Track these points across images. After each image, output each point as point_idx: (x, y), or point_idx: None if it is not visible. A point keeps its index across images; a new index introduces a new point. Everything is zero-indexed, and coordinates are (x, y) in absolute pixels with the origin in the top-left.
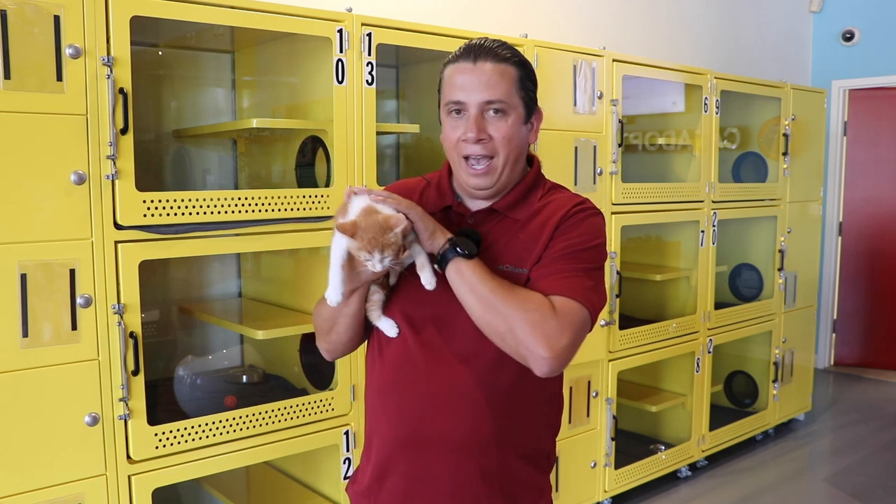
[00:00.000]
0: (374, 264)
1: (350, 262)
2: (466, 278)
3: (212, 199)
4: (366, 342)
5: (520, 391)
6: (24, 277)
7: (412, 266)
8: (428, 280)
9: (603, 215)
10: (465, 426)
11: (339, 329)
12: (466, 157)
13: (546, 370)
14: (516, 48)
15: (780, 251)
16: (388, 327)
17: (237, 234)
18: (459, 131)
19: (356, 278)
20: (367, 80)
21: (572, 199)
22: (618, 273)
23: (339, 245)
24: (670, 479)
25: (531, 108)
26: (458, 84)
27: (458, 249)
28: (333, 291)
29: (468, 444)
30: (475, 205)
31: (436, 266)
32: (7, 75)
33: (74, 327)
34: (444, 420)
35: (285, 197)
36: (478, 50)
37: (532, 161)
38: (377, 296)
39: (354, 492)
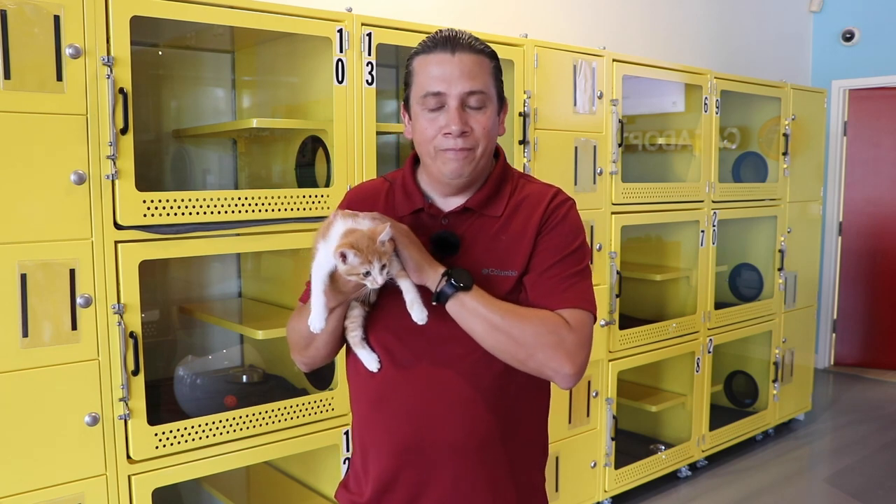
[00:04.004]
0: (376, 276)
1: (331, 282)
2: (471, 310)
3: (212, 199)
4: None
5: (512, 386)
6: (24, 277)
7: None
8: (419, 317)
9: (576, 203)
10: (464, 428)
11: (318, 345)
12: (445, 150)
13: (571, 384)
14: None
15: (780, 251)
16: (369, 361)
17: (237, 234)
18: (438, 124)
19: (336, 296)
20: (367, 80)
21: (547, 192)
22: (618, 273)
23: (322, 269)
24: (670, 479)
25: (502, 101)
26: (436, 75)
27: (454, 282)
28: (317, 318)
29: (468, 446)
30: (447, 205)
31: (434, 303)
32: (7, 75)
33: (74, 327)
34: (442, 425)
35: (285, 197)
36: (454, 41)
37: (498, 153)
38: (357, 311)
39: (350, 501)
